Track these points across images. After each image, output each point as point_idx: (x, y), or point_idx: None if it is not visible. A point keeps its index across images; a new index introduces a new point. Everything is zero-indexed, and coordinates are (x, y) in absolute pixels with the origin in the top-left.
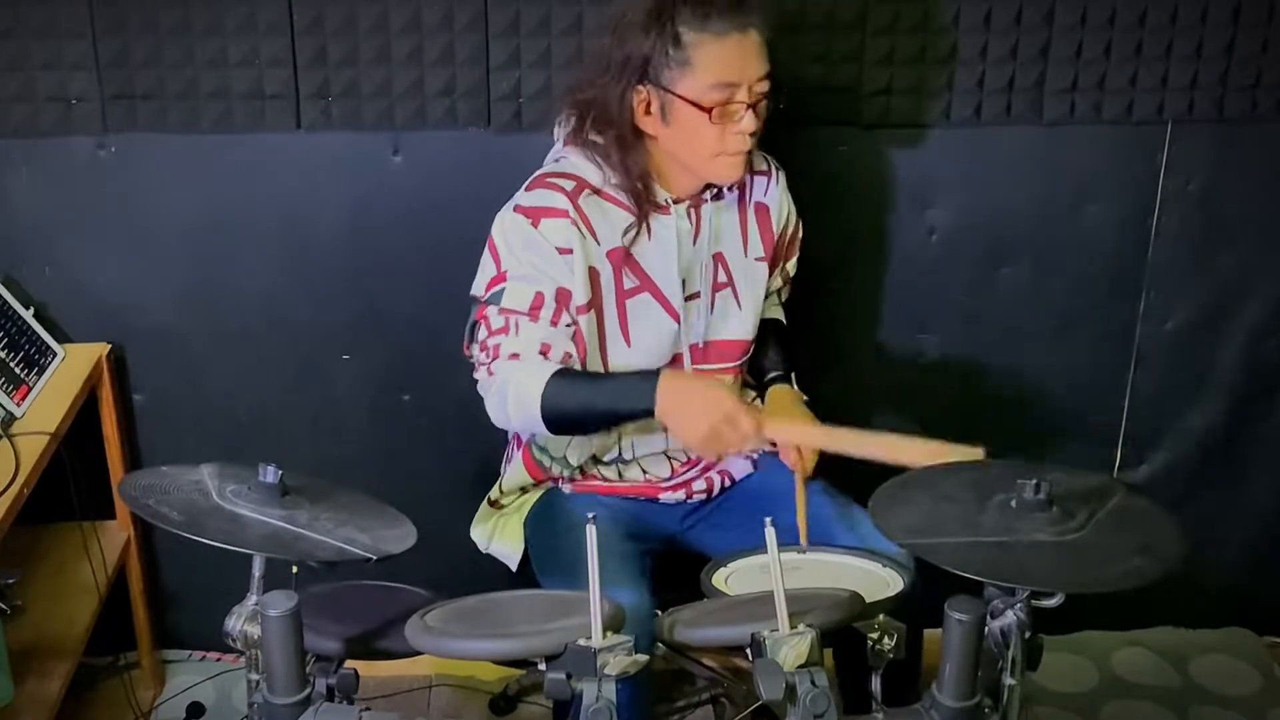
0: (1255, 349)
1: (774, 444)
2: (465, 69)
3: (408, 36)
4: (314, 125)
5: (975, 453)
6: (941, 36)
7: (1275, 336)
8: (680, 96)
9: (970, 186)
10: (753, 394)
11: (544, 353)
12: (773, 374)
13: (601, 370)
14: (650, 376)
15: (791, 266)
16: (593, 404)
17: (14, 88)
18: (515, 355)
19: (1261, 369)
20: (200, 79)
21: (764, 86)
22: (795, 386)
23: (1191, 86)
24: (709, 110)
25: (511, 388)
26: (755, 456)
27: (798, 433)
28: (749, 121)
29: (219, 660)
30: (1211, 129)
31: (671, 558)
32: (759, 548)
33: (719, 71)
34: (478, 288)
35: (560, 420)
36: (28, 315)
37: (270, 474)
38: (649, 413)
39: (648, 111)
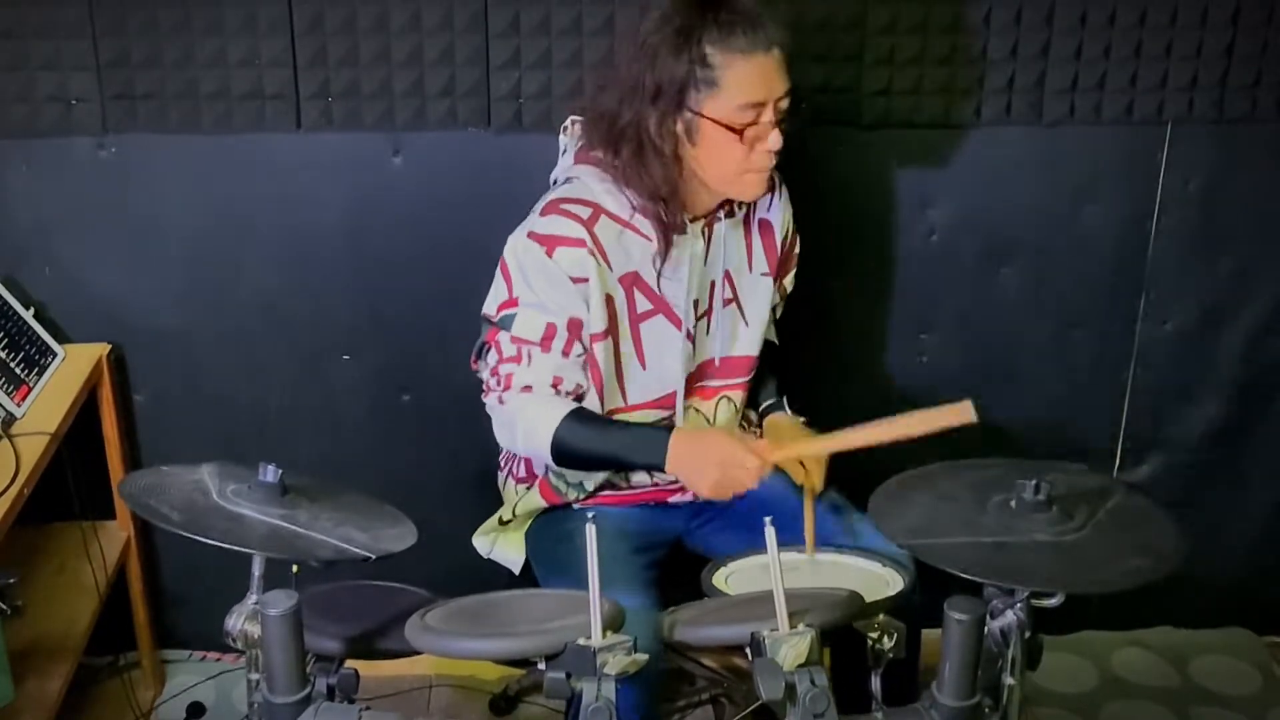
0: (1255, 349)
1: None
2: (465, 69)
3: (408, 36)
4: (314, 125)
5: (964, 413)
6: (941, 36)
7: (1275, 336)
8: (709, 118)
9: (970, 186)
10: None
11: (555, 385)
12: (767, 403)
13: (618, 393)
14: (661, 433)
15: (789, 283)
16: (602, 451)
17: (14, 88)
18: (528, 388)
19: (1261, 369)
20: (200, 79)
21: (785, 102)
22: (789, 410)
23: (1191, 86)
24: (739, 131)
25: (522, 422)
26: None
27: (798, 450)
28: (776, 139)
29: (219, 660)
30: (1211, 129)
31: (675, 558)
32: (759, 548)
33: (747, 92)
34: (489, 307)
35: (568, 460)
36: (28, 315)
37: (270, 473)
38: (659, 467)
39: (674, 132)
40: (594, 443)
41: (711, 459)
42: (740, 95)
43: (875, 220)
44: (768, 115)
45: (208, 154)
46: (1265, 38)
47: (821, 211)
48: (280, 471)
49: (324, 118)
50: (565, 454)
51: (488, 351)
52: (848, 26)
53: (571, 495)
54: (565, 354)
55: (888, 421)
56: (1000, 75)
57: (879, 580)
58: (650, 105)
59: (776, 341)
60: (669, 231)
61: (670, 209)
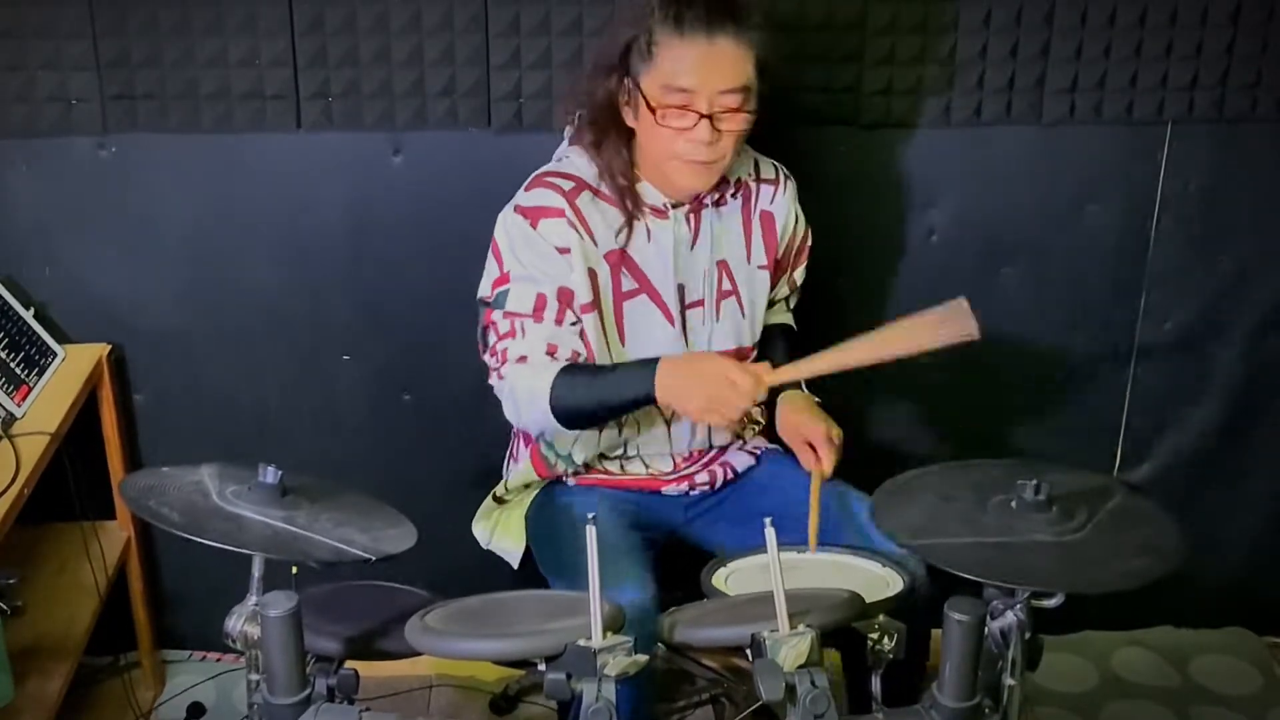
0: (1255, 349)
1: (781, 447)
2: (465, 69)
3: (408, 36)
4: (314, 125)
5: (963, 320)
6: (941, 36)
7: (1275, 337)
8: (641, 91)
9: (970, 186)
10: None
11: (551, 353)
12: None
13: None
14: (650, 363)
15: (799, 275)
16: (598, 398)
17: (14, 88)
18: (523, 358)
19: (1261, 369)
20: (200, 79)
21: (730, 100)
22: (805, 390)
23: (1191, 86)
24: (654, 111)
25: (521, 390)
26: (758, 451)
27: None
28: (702, 131)
29: (219, 660)
30: (1211, 129)
31: (673, 553)
32: (759, 547)
33: (674, 74)
34: (484, 289)
35: (570, 415)
36: (28, 315)
37: (270, 474)
38: (651, 398)
39: (626, 103)
40: (590, 390)
41: (700, 379)
42: (667, 76)
43: (875, 220)
44: (698, 105)
45: (208, 154)
46: (1265, 38)
47: (821, 211)
48: (280, 473)
49: (324, 118)
50: (565, 411)
51: (487, 333)
52: (848, 26)
53: (561, 467)
54: (558, 322)
55: (884, 335)
56: (1000, 75)
57: (879, 580)
58: (605, 72)
59: (794, 326)
60: (629, 205)
61: (616, 178)
